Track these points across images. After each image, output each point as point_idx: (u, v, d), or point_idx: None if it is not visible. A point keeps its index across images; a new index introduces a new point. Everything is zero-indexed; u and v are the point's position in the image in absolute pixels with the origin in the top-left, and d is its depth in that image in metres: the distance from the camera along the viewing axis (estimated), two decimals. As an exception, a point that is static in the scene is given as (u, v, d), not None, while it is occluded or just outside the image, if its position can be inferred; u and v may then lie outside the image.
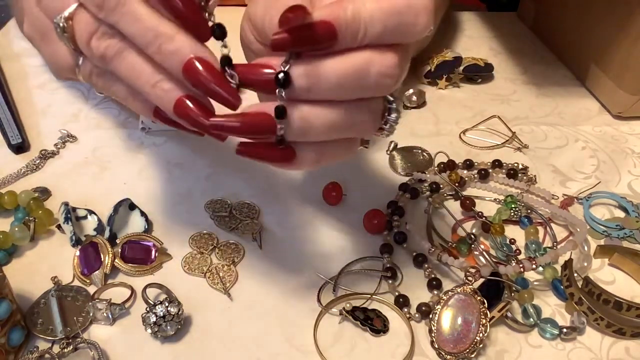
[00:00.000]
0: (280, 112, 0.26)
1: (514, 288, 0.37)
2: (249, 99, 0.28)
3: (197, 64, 0.26)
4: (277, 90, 0.26)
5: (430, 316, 0.36)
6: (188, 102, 0.27)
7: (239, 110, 0.27)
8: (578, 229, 0.42)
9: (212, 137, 0.29)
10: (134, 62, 0.28)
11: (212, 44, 0.27)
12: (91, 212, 0.43)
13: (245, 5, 0.34)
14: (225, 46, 0.27)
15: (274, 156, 0.28)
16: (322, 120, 0.27)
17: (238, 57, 0.32)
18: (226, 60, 0.27)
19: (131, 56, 0.28)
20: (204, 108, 0.27)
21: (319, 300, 0.37)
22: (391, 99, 0.30)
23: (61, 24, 0.29)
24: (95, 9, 0.27)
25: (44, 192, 0.45)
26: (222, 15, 0.28)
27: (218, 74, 0.26)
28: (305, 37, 0.25)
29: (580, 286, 0.37)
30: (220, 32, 0.27)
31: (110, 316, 0.35)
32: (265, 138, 0.28)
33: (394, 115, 0.30)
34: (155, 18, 0.26)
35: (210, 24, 0.27)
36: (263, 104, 0.27)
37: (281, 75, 0.26)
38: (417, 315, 0.37)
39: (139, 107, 0.31)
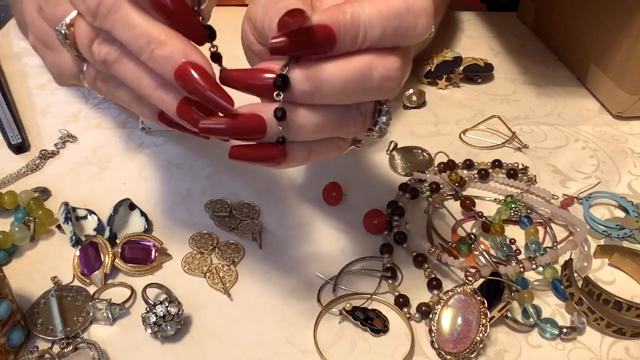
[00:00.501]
0: (281, 115, 0.26)
1: (514, 288, 0.37)
2: (246, 99, 0.28)
3: (189, 69, 0.26)
4: (274, 94, 0.26)
5: (430, 316, 0.36)
6: (191, 104, 0.27)
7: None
8: (578, 229, 0.42)
9: (217, 138, 0.29)
10: (134, 67, 0.28)
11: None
12: (91, 212, 0.43)
13: (245, 5, 0.34)
14: (214, 46, 0.27)
15: (266, 156, 0.28)
16: (314, 121, 0.27)
17: (239, 56, 0.32)
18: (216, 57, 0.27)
19: (131, 61, 0.28)
20: (207, 109, 0.27)
21: (319, 300, 0.37)
22: (382, 100, 0.30)
23: (63, 31, 0.29)
24: (90, 17, 0.27)
25: (44, 192, 0.45)
26: (222, 15, 0.28)
27: (210, 78, 0.26)
28: (304, 41, 0.25)
29: (580, 286, 0.37)
30: (210, 34, 0.27)
31: (110, 316, 0.35)
32: (257, 139, 0.27)
33: (384, 118, 0.30)
34: (148, 23, 0.26)
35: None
36: (255, 105, 0.27)
37: (279, 78, 0.26)
38: (417, 315, 0.37)
39: (144, 112, 0.31)
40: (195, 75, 0.26)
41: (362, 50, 0.26)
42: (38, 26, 0.32)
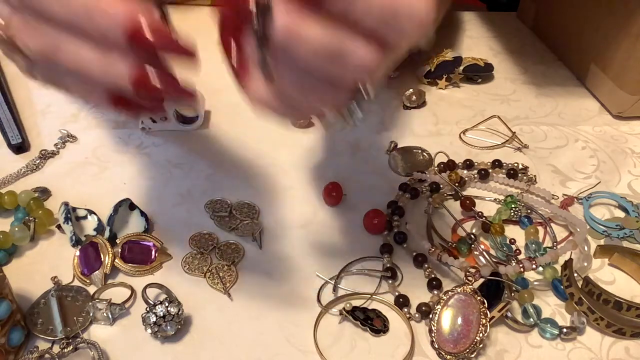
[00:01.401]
0: (264, 9, 0.23)
1: (514, 288, 0.37)
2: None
3: (141, 27, 0.24)
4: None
5: (430, 316, 0.36)
6: (146, 71, 0.26)
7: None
8: (578, 229, 0.42)
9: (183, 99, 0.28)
10: (77, 48, 0.26)
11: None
12: (91, 212, 0.43)
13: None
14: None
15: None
16: (312, 35, 0.24)
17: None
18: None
19: (73, 43, 0.26)
20: (163, 75, 0.26)
21: (319, 300, 0.37)
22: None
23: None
24: (17, 3, 0.26)
25: (44, 192, 0.45)
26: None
27: (165, 30, 0.25)
28: None
29: (580, 286, 0.37)
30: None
31: (110, 316, 0.35)
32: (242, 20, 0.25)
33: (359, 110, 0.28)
34: None
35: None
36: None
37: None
38: (417, 315, 0.37)
39: (97, 98, 0.29)
40: (149, 31, 0.24)
41: (351, 30, 0.24)
42: None
